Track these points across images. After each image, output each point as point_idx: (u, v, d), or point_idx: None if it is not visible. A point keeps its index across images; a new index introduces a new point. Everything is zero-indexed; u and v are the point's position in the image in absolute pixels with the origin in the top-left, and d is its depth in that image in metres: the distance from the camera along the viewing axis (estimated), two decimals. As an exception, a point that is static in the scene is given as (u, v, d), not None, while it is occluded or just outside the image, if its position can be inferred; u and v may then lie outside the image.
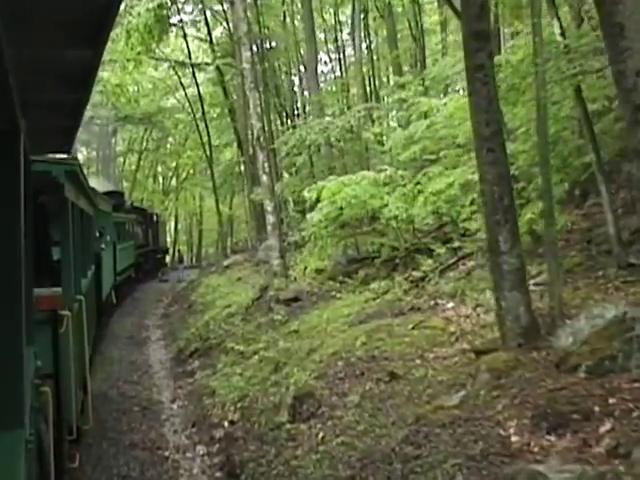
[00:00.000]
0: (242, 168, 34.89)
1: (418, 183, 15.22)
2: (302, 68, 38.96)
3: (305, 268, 19.65)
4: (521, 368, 6.91)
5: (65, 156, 7.72)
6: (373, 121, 21.88)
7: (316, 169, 25.30)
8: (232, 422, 9.95)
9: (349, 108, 27.62)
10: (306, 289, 14.97)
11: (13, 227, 3.79)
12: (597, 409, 5.68)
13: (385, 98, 27.87)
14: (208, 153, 34.88)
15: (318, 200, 17.07)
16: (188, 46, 34.04)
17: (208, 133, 34.88)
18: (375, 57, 35.37)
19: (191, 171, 60.91)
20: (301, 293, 14.62)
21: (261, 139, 16.97)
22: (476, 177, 11.48)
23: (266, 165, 16.96)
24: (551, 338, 7.37)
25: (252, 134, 17.39)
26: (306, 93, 40.85)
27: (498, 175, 7.35)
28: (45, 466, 5.33)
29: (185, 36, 34.04)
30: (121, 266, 23.93)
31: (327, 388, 8.72)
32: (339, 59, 39.45)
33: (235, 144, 44.03)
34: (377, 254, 16.45)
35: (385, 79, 36.82)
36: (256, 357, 12.51)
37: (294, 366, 10.17)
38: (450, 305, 10.94)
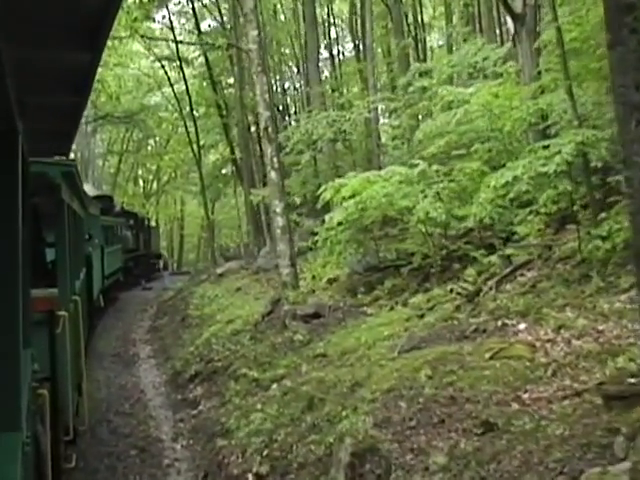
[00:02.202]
0: (233, 168, 32.72)
1: (452, 180, 13.29)
2: (293, 66, 37.16)
3: (313, 277, 17.60)
4: None
5: (62, 158, 7.60)
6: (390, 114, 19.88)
7: (318, 168, 23.24)
8: (259, 476, 7.84)
9: (343, 105, 25.88)
10: (328, 303, 12.83)
11: (11, 229, 3.79)
12: None
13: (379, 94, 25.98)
14: (196, 152, 32.52)
15: (329, 202, 15.18)
16: (175, 37, 31.80)
17: (196, 130, 32.59)
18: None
19: (173, 174, 59.00)
20: (322, 308, 12.49)
21: (269, 130, 14.83)
22: (550, 169, 9.53)
23: (275, 160, 14.83)
24: None
25: (259, 125, 15.20)
26: (296, 92, 39.09)
27: (652, 157, 5.31)
28: (42, 468, 5.27)
29: (172, 28, 31.89)
30: (109, 270, 23.61)
31: (396, 441, 6.60)
32: (331, 56, 37.54)
33: (220, 145, 42.03)
34: (402, 262, 14.39)
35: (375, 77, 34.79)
36: (275, 387, 10.40)
37: (337, 404, 8.05)
38: (522, 326, 8.90)
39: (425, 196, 12.54)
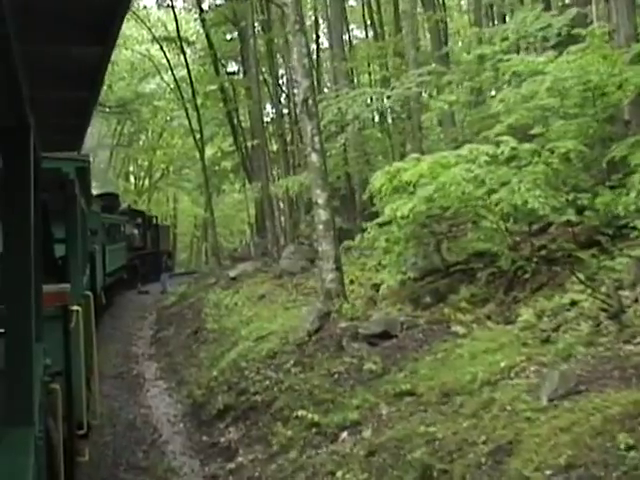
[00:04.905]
0: (239, 160, 29.82)
1: (546, 163, 10.63)
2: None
3: (351, 282, 14.84)
4: None
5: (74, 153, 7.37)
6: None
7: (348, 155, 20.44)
8: None
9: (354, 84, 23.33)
10: (398, 318, 10.04)
11: (23, 224, 3.78)
12: None
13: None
14: (198, 142, 29.64)
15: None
16: (176, 17, 28.96)
17: (199, 117, 29.70)
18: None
19: (165, 170, 56.42)
20: (392, 325, 9.69)
21: (309, 102, 12.03)
22: None
23: (316, 140, 12.03)
24: None
25: (292, 97, 12.46)
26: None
27: None
28: (55, 462, 5.16)
29: (173, 7, 29.08)
30: (111, 267, 23.46)
31: None
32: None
33: (218, 137, 39.30)
34: (478, 264, 11.68)
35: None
36: (346, 436, 7.70)
37: (479, 486, 5.31)
38: None
39: (520, 181, 9.81)
